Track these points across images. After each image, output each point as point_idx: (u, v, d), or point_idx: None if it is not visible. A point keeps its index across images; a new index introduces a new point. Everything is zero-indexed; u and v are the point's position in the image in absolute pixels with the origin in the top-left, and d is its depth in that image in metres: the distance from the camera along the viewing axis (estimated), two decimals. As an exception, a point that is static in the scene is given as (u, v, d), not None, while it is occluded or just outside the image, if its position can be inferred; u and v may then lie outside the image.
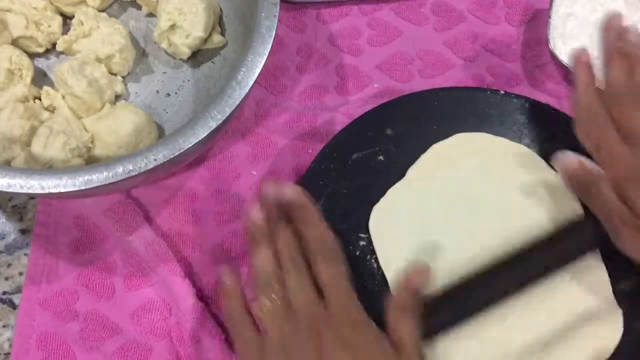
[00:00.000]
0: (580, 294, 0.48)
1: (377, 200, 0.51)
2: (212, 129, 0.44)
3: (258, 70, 0.47)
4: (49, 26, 0.55)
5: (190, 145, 0.44)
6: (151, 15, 0.59)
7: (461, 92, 0.56)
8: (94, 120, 0.52)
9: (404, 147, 0.53)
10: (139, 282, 0.51)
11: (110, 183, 0.42)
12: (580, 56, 0.49)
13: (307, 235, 0.41)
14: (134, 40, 0.58)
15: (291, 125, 0.57)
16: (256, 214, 0.42)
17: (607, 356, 0.46)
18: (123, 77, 0.56)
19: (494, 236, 0.50)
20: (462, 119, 0.55)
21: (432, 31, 0.63)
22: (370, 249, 0.50)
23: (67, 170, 0.42)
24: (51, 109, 0.53)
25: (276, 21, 0.49)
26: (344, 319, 0.39)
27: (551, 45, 0.58)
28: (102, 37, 0.54)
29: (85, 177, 0.42)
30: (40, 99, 0.53)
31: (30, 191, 0.42)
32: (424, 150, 0.53)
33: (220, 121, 0.45)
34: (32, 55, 0.56)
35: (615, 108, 0.45)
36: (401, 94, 0.56)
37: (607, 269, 0.49)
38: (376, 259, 0.50)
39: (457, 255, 0.49)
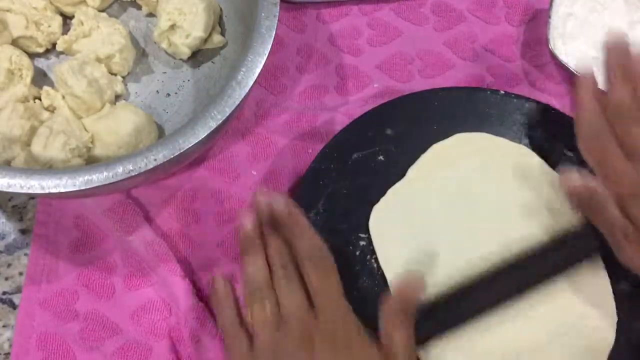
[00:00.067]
0: (579, 294, 0.48)
1: (377, 200, 0.51)
2: (212, 129, 0.44)
3: (258, 70, 0.47)
4: (49, 26, 0.55)
5: (190, 145, 0.44)
6: (151, 15, 0.59)
7: (461, 92, 0.56)
8: (94, 120, 0.52)
9: (404, 147, 0.53)
10: (139, 282, 0.51)
11: (110, 183, 0.42)
12: (584, 74, 0.49)
13: (297, 244, 0.41)
14: (134, 40, 0.58)
15: (291, 125, 0.57)
16: (247, 223, 0.42)
17: (605, 357, 0.46)
18: (123, 77, 0.56)
19: (494, 236, 0.50)
20: (462, 119, 0.55)
21: (432, 31, 0.63)
22: (370, 249, 0.50)
23: (67, 170, 0.42)
24: (51, 109, 0.53)
25: (276, 21, 0.49)
26: (335, 328, 0.39)
27: (551, 45, 0.58)
28: (102, 37, 0.54)
29: (85, 177, 0.42)
30: (40, 99, 0.53)
31: (30, 191, 0.42)
32: (424, 150, 0.53)
33: (220, 121, 0.45)
34: (32, 55, 0.56)
35: (619, 125, 0.45)
36: (401, 94, 0.56)
37: (607, 269, 0.49)
38: (376, 259, 0.50)
39: (457, 256, 0.49)
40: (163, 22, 0.55)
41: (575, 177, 0.45)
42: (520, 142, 0.54)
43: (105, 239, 0.52)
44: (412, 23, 0.63)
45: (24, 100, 0.52)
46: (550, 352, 0.46)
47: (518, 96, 0.55)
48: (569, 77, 0.60)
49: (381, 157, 0.53)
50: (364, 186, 0.52)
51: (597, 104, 0.47)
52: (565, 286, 0.48)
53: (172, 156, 0.43)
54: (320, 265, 0.41)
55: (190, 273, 0.51)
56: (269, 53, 0.48)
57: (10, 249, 0.52)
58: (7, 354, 0.48)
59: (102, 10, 0.58)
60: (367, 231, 0.51)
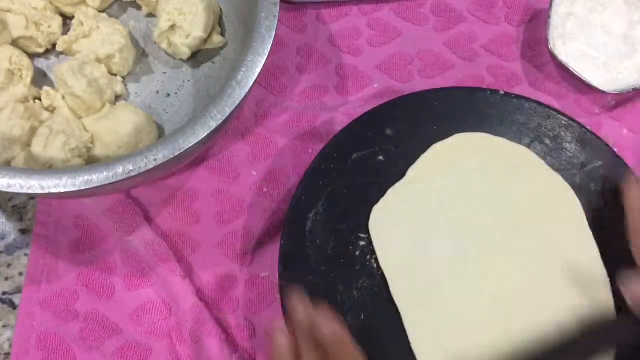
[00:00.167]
0: (578, 294, 0.48)
1: (377, 200, 0.51)
2: (212, 129, 0.44)
3: (258, 70, 0.47)
4: (49, 26, 0.55)
5: (190, 145, 0.44)
6: (151, 15, 0.59)
7: (461, 92, 0.56)
8: (94, 120, 0.52)
9: (404, 147, 0.53)
10: (139, 282, 0.51)
11: (110, 183, 0.42)
12: (631, 184, 0.49)
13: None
14: (134, 41, 0.58)
15: (291, 125, 0.57)
16: (282, 340, 0.40)
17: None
18: (123, 77, 0.56)
19: (494, 236, 0.50)
20: (462, 119, 0.54)
21: (432, 31, 0.63)
22: (370, 249, 0.50)
23: (67, 171, 0.42)
24: (51, 109, 0.53)
25: (276, 21, 0.49)
26: None
27: (551, 46, 0.58)
28: (102, 37, 0.54)
29: (85, 177, 0.42)
30: (40, 99, 0.53)
31: (30, 191, 0.42)
32: (424, 150, 0.53)
33: (220, 121, 0.45)
34: (32, 56, 0.56)
35: None
36: (401, 94, 0.56)
37: (607, 270, 0.49)
38: (376, 259, 0.50)
39: (457, 255, 0.49)
40: (163, 23, 0.55)
41: (637, 288, 0.45)
42: (520, 142, 0.54)
43: (105, 239, 0.52)
44: (412, 23, 0.63)
45: (24, 100, 0.52)
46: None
47: (518, 96, 0.55)
48: (569, 77, 0.60)
49: (381, 157, 0.53)
50: (364, 186, 0.52)
51: None
52: (565, 286, 0.48)
53: (172, 156, 0.43)
54: None
55: (190, 273, 0.51)
56: (269, 53, 0.48)
57: (10, 249, 0.52)
58: (7, 354, 0.48)
59: (102, 11, 0.58)
60: (367, 231, 0.51)
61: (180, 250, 0.52)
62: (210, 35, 0.57)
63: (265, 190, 0.55)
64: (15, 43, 0.55)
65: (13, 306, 0.50)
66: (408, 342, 0.47)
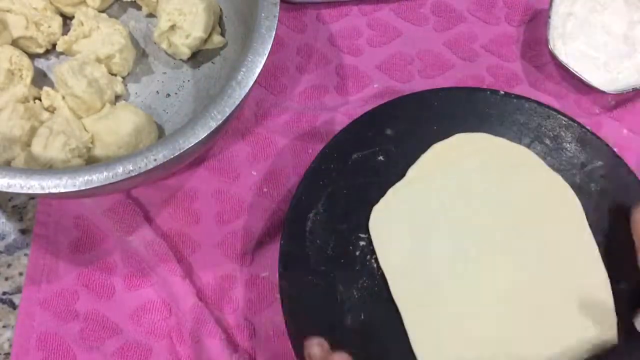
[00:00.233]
0: (578, 294, 0.48)
1: (377, 200, 0.51)
2: (212, 129, 0.44)
3: (258, 70, 0.47)
4: (49, 27, 0.55)
5: (190, 145, 0.44)
6: (151, 15, 0.59)
7: (461, 92, 0.56)
8: (94, 120, 0.52)
9: (404, 147, 0.53)
10: (139, 282, 0.51)
11: (110, 183, 0.42)
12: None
13: None
14: (134, 41, 0.58)
15: (291, 125, 0.57)
16: None
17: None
18: (123, 78, 0.56)
19: (493, 236, 0.50)
20: (462, 119, 0.54)
21: (432, 31, 0.63)
22: (370, 249, 0.50)
23: (67, 171, 0.42)
24: (51, 110, 0.53)
25: (276, 21, 0.49)
26: None
27: (551, 46, 0.58)
28: (102, 37, 0.54)
29: (85, 177, 0.42)
30: (40, 100, 0.53)
31: (30, 191, 0.42)
32: (424, 150, 0.53)
33: (220, 121, 0.45)
34: (32, 56, 0.56)
35: None
36: (401, 94, 0.56)
37: (607, 270, 0.49)
38: (376, 259, 0.50)
39: (457, 255, 0.49)
40: (163, 23, 0.55)
41: None
42: (520, 142, 0.54)
43: (105, 239, 0.52)
44: (412, 23, 0.63)
45: (24, 100, 0.52)
46: (551, 352, 0.46)
47: (518, 96, 0.55)
48: (569, 77, 0.60)
49: (381, 157, 0.53)
50: (364, 186, 0.52)
51: None
52: (565, 286, 0.48)
53: (172, 156, 0.43)
54: None
55: (190, 273, 0.51)
56: (269, 53, 0.48)
57: (10, 249, 0.52)
58: (7, 354, 0.48)
59: (102, 11, 0.58)
60: (367, 231, 0.51)
61: (180, 250, 0.52)
62: (210, 35, 0.57)
63: (265, 190, 0.55)
64: (15, 43, 0.55)
65: (13, 306, 0.50)
66: (408, 342, 0.47)
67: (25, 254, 0.52)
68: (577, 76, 0.57)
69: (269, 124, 0.57)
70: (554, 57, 0.59)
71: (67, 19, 0.57)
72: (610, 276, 0.49)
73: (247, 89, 0.46)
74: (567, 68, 0.58)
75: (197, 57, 0.58)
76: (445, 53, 0.62)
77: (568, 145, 0.54)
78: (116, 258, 0.51)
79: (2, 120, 0.49)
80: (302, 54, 0.61)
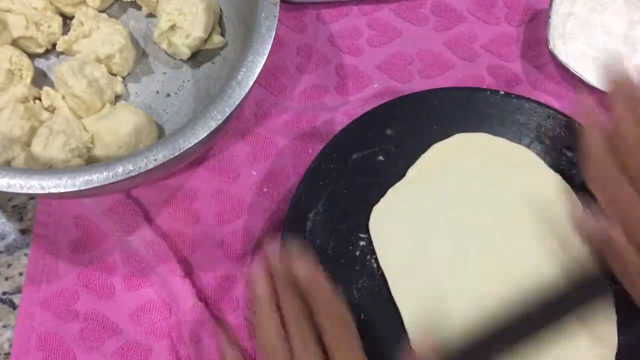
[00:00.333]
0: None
1: (377, 200, 0.51)
2: (212, 129, 0.44)
3: (258, 70, 0.47)
4: (49, 26, 0.55)
5: (190, 145, 0.44)
6: (151, 15, 0.59)
7: (461, 92, 0.56)
8: (94, 120, 0.52)
9: (404, 147, 0.53)
10: (139, 282, 0.51)
11: (110, 183, 0.42)
12: (589, 112, 0.48)
13: (315, 306, 0.39)
14: (134, 41, 0.58)
15: (291, 125, 0.57)
16: (261, 282, 0.40)
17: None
18: (123, 78, 0.56)
19: (493, 236, 0.50)
20: (462, 119, 0.54)
21: (432, 31, 0.63)
22: (370, 249, 0.50)
23: (67, 171, 0.42)
24: (51, 109, 0.53)
25: (276, 21, 0.49)
26: None
27: (551, 46, 0.58)
28: (102, 37, 0.54)
29: (85, 177, 0.42)
30: (40, 100, 0.53)
31: (30, 191, 0.42)
32: (424, 150, 0.53)
33: (220, 121, 0.45)
34: (32, 56, 0.56)
35: (629, 159, 0.45)
36: (401, 94, 0.56)
37: (607, 269, 0.49)
38: (376, 259, 0.50)
39: (456, 255, 0.49)
40: (163, 23, 0.55)
41: (594, 227, 0.45)
42: (520, 142, 0.54)
43: (105, 239, 0.52)
44: (412, 23, 0.63)
45: (24, 100, 0.52)
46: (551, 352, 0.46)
47: (518, 96, 0.55)
48: (569, 77, 0.60)
49: (381, 157, 0.53)
50: (364, 186, 0.52)
51: (604, 141, 0.46)
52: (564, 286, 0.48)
53: (172, 156, 0.43)
54: (339, 326, 0.39)
55: (190, 273, 0.51)
56: (269, 53, 0.48)
57: (10, 249, 0.52)
58: (7, 354, 0.48)
59: (102, 11, 0.58)
60: (367, 231, 0.51)
61: (180, 250, 0.52)
62: (210, 35, 0.57)
63: (265, 190, 0.55)
64: (15, 43, 0.55)
65: (13, 306, 0.50)
66: (408, 342, 0.47)
67: (25, 254, 0.52)
68: (577, 76, 0.57)
69: (269, 124, 0.57)
70: (554, 57, 0.59)
71: (67, 19, 0.57)
72: (610, 276, 0.49)
73: (247, 89, 0.46)
74: (567, 68, 0.58)
75: (197, 57, 0.58)
76: (445, 53, 0.62)
77: (567, 144, 0.54)
78: (116, 258, 0.51)
79: (2, 120, 0.49)
80: (302, 54, 0.61)
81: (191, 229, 0.53)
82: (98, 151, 0.51)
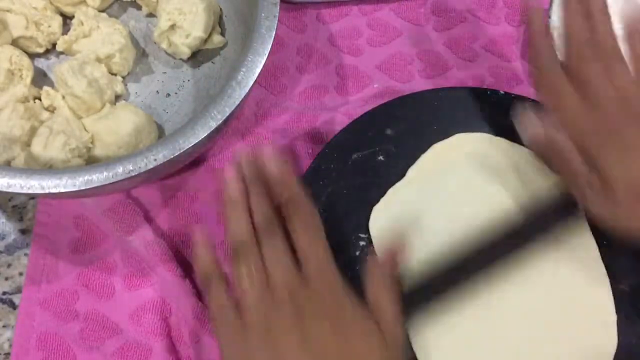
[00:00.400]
0: (578, 295, 0.48)
1: (377, 200, 0.51)
2: (212, 129, 0.44)
3: (258, 70, 0.47)
4: (49, 26, 0.55)
5: (190, 145, 0.44)
6: (151, 15, 0.59)
7: (461, 92, 0.56)
8: (94, 120, 0.52)
9: (404, 147, 0.53)
10: (139, 282, 0.51)
11: (110, 183, 0.42)
12: (534, 18, 0.48)
13: (286, 205, 0.40)
14: (134, 40, 0.58)
15: (291, 125, 0.57)
16: (232, 182, 0.41)
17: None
18: (123, 77, 0.56)
19: (494, 236, 0.50)
20: (462, 119, 0.55)
21: (432, 31, 0.63)
22: (370, 249, 0.50)
23: (67, 171, 0.42)
24: (51, 109, 0.53)
25: (276, 21, 0.49)
26: (323, 289, 0.38)
27: (551, 45, 0.58)
28: (102, 37, 0.54)
29: (85, 177, 0.42)
30: (40, 99, 0.53)
31: (30, 191, 0.42)
32: (424, 150, 0.53)
33: (220, 121, 0.45)
34: (32, 56, 0.56)
35: (577, 65, 0.45)
36: (401, 94, 0.56)
37: (607, 270, 0.49)
38: (376, 259, 0.50)
39: (457, 255, 0.49)
40: (163, 22, 0.55)
41: (538, 131, 0.44)
42: (520, 142, 0.54)
43: (105, 239, 0.52)
44: (412, 23, 0.63)
45: (24, 100, 0.52)
46: (551, 352, 0.46)
47: (518, 96, 0.55)
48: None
49: (381, 157, 0.53)
50: (364, 186, 0.52)
51: (552, 51, 0.46)
52: (565, 286, 0.48)
53: (172, 156, 0.43)
54: (308, 224, 0.40)
55: (190, 273, 0.51)
56: (269, 53, 0.48)
57: (10, 249, 0.52)
58: (7, 354, 0.48)
59: (102, 11, 0.58)
60: (367, 231, 0.51)
61: (180, 250, 0.52)
62: (210, 35, 0.57)
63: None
64: (15, 43, 0.55)
65: (13, 306, 0.50)
66: (408, 342, 0.47)
67: (25, 254, 0.52)
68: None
69: (269, 124, 0.57)
70: (554, 57, 0.59)
71: (67, 19, 0.57)
72: (610, 276, 0.49)
73: (247, 89, 0.46)
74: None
75: (197, 56, 0.58)
76: (445, 53, 0.62)
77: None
78: (116, 258, 0.51)
79: (2, 120, 0.49)
80: (302, 54, 0.61)
81: (191, 229, 0.53)
82: (98, 151, 0.51)
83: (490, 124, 0.55)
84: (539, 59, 0.46)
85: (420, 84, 0.60)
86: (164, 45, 0.57)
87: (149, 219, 0.52)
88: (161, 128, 0.55)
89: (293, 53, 0.61)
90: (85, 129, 0.51)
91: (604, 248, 0.50)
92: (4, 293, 0.51)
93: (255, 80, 0.46)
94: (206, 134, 0.44)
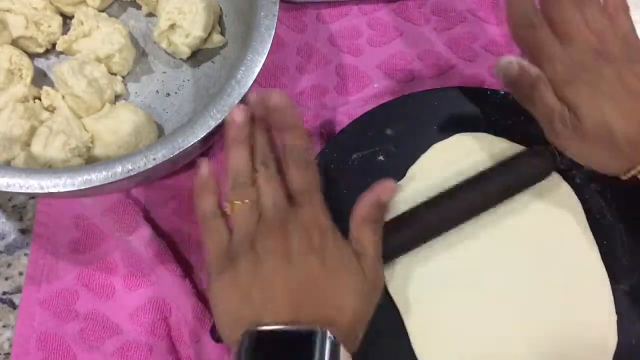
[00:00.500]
0: (578, 295, 0.48)
1: (377, 200, 0.51)
2: (211, 129, 0.44)
3: (257, 70, 0.47)
4: (49, 26, 0.55)
5: (189, 145, 0.44)
6: (151, 15, 0.59)
7: (461, 92, 0.56)
8: (93, 120, 0.52)
9: (404, 147, 0.53)
10: (139, 282, 0.51)
11: (110, 183, 0.42)
12: None
13: (284, 141, 0.42)
14: (133, 40, 0.58)
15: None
16: (238, 115, 0.42)
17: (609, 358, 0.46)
18: (123, 77, 0.56)
19: (494, 236, 0.50)
20: (462, 119, 0.54)
21: (432, 31, 0.63)
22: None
23: (67, 170, 0.42)
24: (51, 109, 0.53)
25: (275, 20, 0.49)
26: (313, 223, 0.40)
27: (551, 45, 0.58)
28: (102, 36, 0.54)
29: (85, 177, 0.42)
30: (40, 99, 0.53)
31: (29, 191, 0.42)
32: (424, 150, 0.53)
33: (220, 121, 0.45)
34: (32, 56, 0.56)
35: (552, 7, 0.46)
36: (401, 94, 0.56)
37: (607, 270, 0.49)
38: (376, 259, 0.50)
39: (457, 255, 0.49)
40: (163, 22, 0.55)
41: (512, 65, 0.45)
42: (520, 143, 0.54)
43: (105, 239, 0.52)
44: (412, 23, 0.63)
45: (24, 100, 0.52)
46: (551, 352, 0.46)
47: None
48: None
49: (381, 157, 0.53)
50: (364, 186, 0.52)
51: None
52: (565, 286, 0.48)
53: (171, 156, 0.43)
54: (304, 163, 0.41)
55: (190, 273, 0.51)
56: (269, 52, 0.48)
57: (10, 249, 0.52)
58: (7, 354, 0.48)
59: (102, 10, 0.58)
60: (367, 231, 0.50)
61: (180, 250, 0.52)
62: (210, 34, 0.57)
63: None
64: (15, 43, 0.55)
65: (13, 306, 0.50)
66: (408, 342, 0.47)
67: (25, 254, 0.52)
68: None
69: (269, 123, 0.57)
70: (554, 57, 0.59)
71: (67, 19, 0.57)
72: (610, 276, 0.49)
73: (246, 88, 0.46)
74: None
75: (197, 56, 0.58)
76: (446, 53, 0.62)
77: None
78: (116, 258, 0.51)
79: (2, 120, 0.49)
80: (302, 54, 0.61)
81: (191, 229, 0.53)
82: (98, 151, 0.51)
83: (490, 124, 0.55)
84: (518, 4, 0.47)
85: (420, 84, 0.60)
86: (164, 45, 0.57)
87: (149, 219, 0.52)
88: (161, 128, 0.55)
89: (293, 53, 0.61)
90: (85, 129, 0.51)
91: (604, 248, 0.50)
92: (4, 293, 0.51)
93: (255, 80, 0.46)
94: (206, 134, 0.44)
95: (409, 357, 0.46)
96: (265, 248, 0.39)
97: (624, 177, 0.44)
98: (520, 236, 0.50)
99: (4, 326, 0.50)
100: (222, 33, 0.59)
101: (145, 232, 0.51)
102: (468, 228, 0.50)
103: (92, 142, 0.51)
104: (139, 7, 0.60)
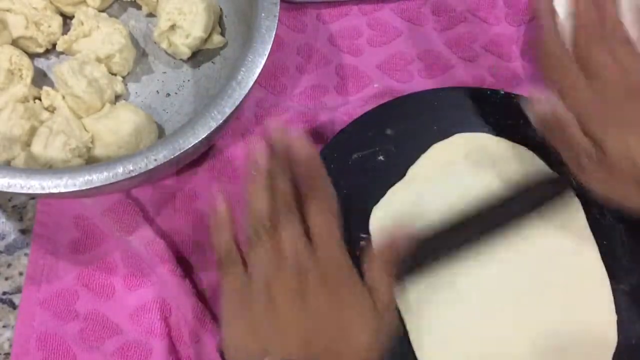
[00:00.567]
0: (578, 295, 0.48)
1: (377, 200, 0.51)
2: (212, 129, 0.44)
3: (258, 70, 0.47)
4: (49, 26, 0.55)
5: (190, 145, 0.44)
6: (151, 15, 0.59)
7: (461, 92, 0.56)
8: (94, 120, 0.52)
9: (404, 147, 0.53)
10: (139, 282, 0.51)
11: (111, 183, 0.42)
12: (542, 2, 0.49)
13: (304, 185, 0.41)
14: (134, 40, 0.58)
15: (291, 126, 0.57)
16: (261, 155, 0.42)
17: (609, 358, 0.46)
18: (123, 77, 0.56)
19: (494, 235, 0.50)
20: (462, 119, 0.55)
21: (432, 31, 0.63)
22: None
23: (67, 170, 0.42)
24: (51, 109, 0.53)
25: (276, 21, 0.49)
26: (331, 264, 0.40)
27: (551, 45, 0.58)
28: (102, 37, 0.54)
29: (86, 177, 0.42)
30: (40, 99, 0.53)
31: (30, 191, 0.42)
32: (424, 150, 0.53)
33: (220, 121, 0.45)
34: (32, 56, 0.56)
35: (583, 46, 0.46)
36: (401, 94, 0.56)
37: (607, 270, 0.49)
38: (376, 259, 0.50)
39: (457, 255, 0.49)
40: (163, 22, 0.55)
41: (544, 107, 0.45)
42: (520, 142, 0.54)
43: (105, 239, 0.52)
44: (412, 23, 0.63)
45: (24, 100, 0.52)
46: (551, 352, 0.46)
47: (518, 96, 0.55)
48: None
49: (381, 157, 0.53)
50: (364, 186, 0.52)
51: (557, 33, 0.47)
52: (566, 286, 0.48)
53: (172, 156, 0.43)
54: (324, 206, 0.41)
55: (190, 273, 0.51)
56: (269, 53, 0.48)
57: (10, 249, 0.52)
58: (7, 354, 0.48)
59: (102, 10, 0.58)
60: (367, 231, 0.51)
61: (180, 250, 0.52)
62: (210, 35, 0.57)
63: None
64: (15, 43, 0.55)
65: (13, 306, 0.50)
66: (409, 343, 0.47)
67: (25, 254, 0.52)
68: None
69: (269, 124, 0.57)
70: (554, 57, 0.59)
71: (67, 19, 0.57)
72: (610, 276, 0.49)
73: (247, 89, 0.46)
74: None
75: (197, 56, 0.58)
76: (446, 53, 0.62)
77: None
78: (116, 258, 0.51)
79: (2, 120, 0.49)
80: (302, 54, 0.61)
81: (191, 229, 0.53)
82: (98, 151, 0.51)
83: (490, 124, 0.55)
84: (546, 40, 0.47)
85: (420, 84, 0.60)
86: (164, 45, 0.57)
87: (149, 219, 0.52)
88: (161, 128, 0.55)
89: (293, 53, 0.61)
90: (86, 129, 0.51)
91: (604, 248, 0.50)
92: (4, 293, 0.51)
93: (256, 80, 0.46)
94: (206, 134, 0.44)
95: (409, 357, 0.46)
96: (283, 293, 0.39)
97: None
98: (520, 236, 0.50)
99: (4, 326, 0.50)
100: (223, 34, 0.59)
101: (145, 232, 0.51)
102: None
103: (92, 142, 0.51)
104: (139, 8, 0.60)
